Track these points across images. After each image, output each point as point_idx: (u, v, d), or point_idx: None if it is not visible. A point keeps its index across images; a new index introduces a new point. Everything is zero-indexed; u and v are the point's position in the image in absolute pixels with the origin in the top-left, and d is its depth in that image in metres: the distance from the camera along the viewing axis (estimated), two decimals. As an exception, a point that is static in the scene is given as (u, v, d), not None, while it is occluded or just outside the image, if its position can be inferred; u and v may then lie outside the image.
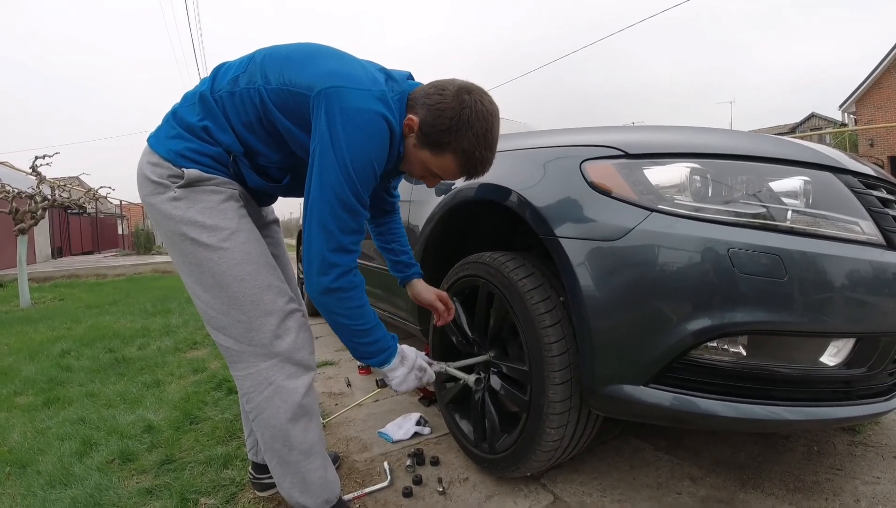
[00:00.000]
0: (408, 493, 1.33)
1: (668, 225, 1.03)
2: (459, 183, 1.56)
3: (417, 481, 1.39)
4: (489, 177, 1.33)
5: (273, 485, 1.29)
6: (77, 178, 15.62)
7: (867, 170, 1.17)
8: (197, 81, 1.17)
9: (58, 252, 14.65)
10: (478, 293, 1.43)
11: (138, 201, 1.12)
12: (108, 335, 3.40)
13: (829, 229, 1.03)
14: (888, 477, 1.35)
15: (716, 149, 1.10)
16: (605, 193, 1.11)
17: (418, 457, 1.50)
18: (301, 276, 3.35)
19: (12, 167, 13.19)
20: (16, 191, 5.80)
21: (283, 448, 1.06)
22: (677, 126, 1.24)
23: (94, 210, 18.15)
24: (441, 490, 1.35)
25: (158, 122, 1.08)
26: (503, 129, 1.11)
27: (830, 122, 20.86)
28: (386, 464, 1.48)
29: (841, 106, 17.62)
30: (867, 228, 1.05)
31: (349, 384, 2.24)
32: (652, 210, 1.05)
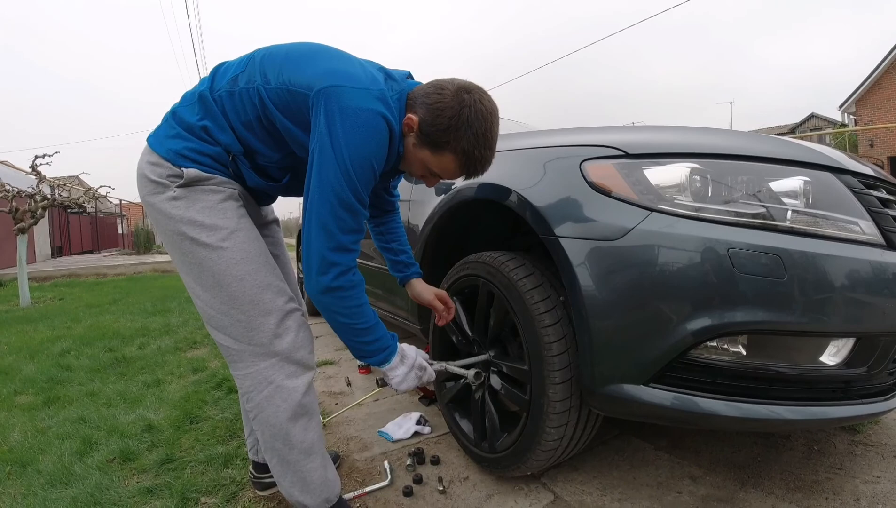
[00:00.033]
0: (408, 492, 1.33)
1: (668, 225, 1.03)
2: (459, 183, 1.56)
3: (418, 480, 1.39)
4: (489, 177, 1.33)
5: (273, 484, 1.29)
6: (77, 177, 15.63)
7: (867, 170, 1.17)
8: (196, 79, 1.17)
9: (57, 251, 14.65)
10: (478, 293, 1.43)
11: (138, 200, 1.12)
12: (108, 335, 3.40)
13: (828, 229, 1.03)
14: (888, 477, 1.35)
15: (716, 149, 1.10)
16: (605, 192, 1.11)
17: (418, 456, 1.50)
18: (301, 275, 3.36)
19: (12, 166, 13.19)
20: (15, 190, 5.80)
21: (283, 447, 1.06)
22: (677, 126, 1.24)
23: (94, 209, 18.16)
24: (441, 489, 1.35)
25: (158, 121, 1.08)
26: (503, 129, 1.11)
27: (830, 122, 20.86)
28: (386, 463, 1.48)
29: (841, 106, 17.62)
30: (867, 228, 1.05)
31: (349, 384, 2.24)
32: (652, 210, 1.05)
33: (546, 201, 1.19)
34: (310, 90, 0.93)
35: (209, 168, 1.01)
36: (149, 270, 9.07)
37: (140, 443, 1.65)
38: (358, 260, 1.01)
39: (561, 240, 1.13)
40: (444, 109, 0.96)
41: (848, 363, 1.05)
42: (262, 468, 1.30)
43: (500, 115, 1.03)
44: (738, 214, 1.03)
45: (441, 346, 1.65)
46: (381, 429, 1.71)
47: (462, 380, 1.47)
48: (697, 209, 1.04)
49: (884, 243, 1.05)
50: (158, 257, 11.10)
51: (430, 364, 1.18)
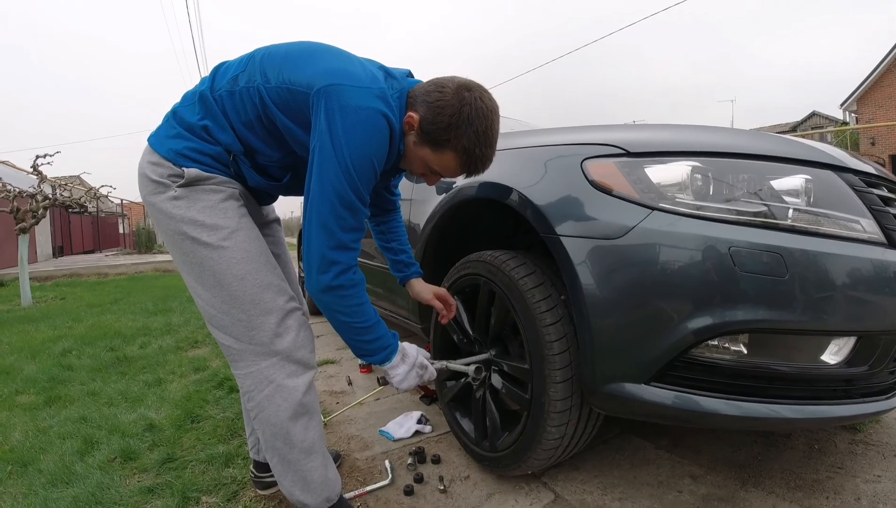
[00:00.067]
0: (409, 491, 1.33)
1: (670, 223, 1.03)
2: (460, 182, 1.56)
3: (418, 479, 1.39)
4: (490, 175, 1.33)
5: (274, 483, 1.29)
6: (78, 177, 15.64)
7: (868, 168, 1.17)
8: (197, 78, 1.17)
9: (59, 251, 14.67)
10: (479, 292, 1.43)
11: (139, 199, 1.13)
12: (109, 334, 3.40)
13: (830, 227, 1.03)
14: (889, 476, 1.35)
15: (717, 147, 1.10)
16: (606, 191, 1.11)
17: (419, 455, 1.50)
18: (302, 274, 3.36)
19: (13, 166, 13.21)
20: (17, 190, 5.81)
21: (283, 447, 1.06)
22: (678, 125, 1.24)
23: (95, 209, 18.18)
24: (442, 488, 1.35)
25: (159, 121, 1.08)
26: (504, 127, 1.11)
27: (832, 120, 20.83)
28: (387, 462, 1.48)
29: (842, 104, 17.59)
30: (868, 226, 1.05)
31: (350, 383, 2.24)
32: (653, 209, 1.05)
33: (547, 200, 1.19)
34: (310, 89, 0.92)
35: (210, 168, 1.01)
36: (150, 269, 9.09)
37: (141, 442, 1.66)
38: (359, 259, 1.01)
39: (562, 239, 1.13)
40: (445, 107, 0.95)
41: (849, 361, 1.04)
42: (263, 467, 1.31)
43: (501, 113, 1.03)
44: (739, 212, 1.03)
45: (442, 345, 1.65)
46: (382, 428, 1.71)
47: (463, 378, 1.47)
48: (699, 208, 1.04)
49: (885, 241, 1.05)
50: (160, 257, 11.12)
51: (431, 363, 1.18)
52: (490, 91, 1.01)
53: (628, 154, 1.12)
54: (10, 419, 1.95)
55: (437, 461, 1.50)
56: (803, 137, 3.41)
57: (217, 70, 1.06)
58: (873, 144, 16.09)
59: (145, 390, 2.22)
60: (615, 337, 1.07)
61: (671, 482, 1.36)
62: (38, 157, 5.79)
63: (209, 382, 2.25)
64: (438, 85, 0.99)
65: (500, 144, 1.05)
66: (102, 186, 8.22)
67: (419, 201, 1.85)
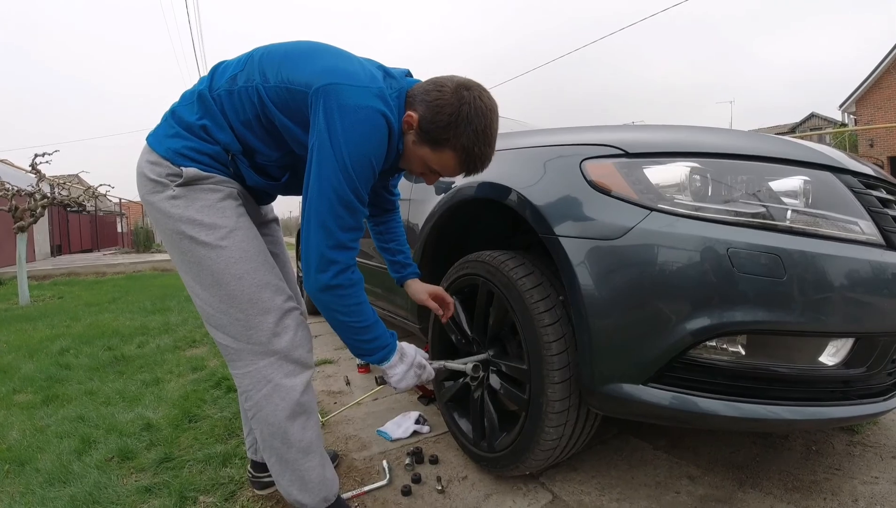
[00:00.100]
0: (406, 492, 1.33)
1: (668, 224, 1.03)
2: (459, 182, 1.56)
3: (416, 479, 1.39)
4: (489, 175, 1.33)
5: (272, 483, 1.29)
6: (76, 176, 15.60)
7: (867, 170, 1.17)
8: (196, 78, 1.17)
9: (57, 250, 14.64)
10: (477, 292, 1.43)
11: (137, 199, 1.12)
12: (107, 333, 3.40)
13: (828, 228, 1.03)
14: (886, 477, 1.35)
15: (716, 148, 1.10)
16: (605, 192, 1.11)
17: (417, 456, 1.50)
18: (301, 274, 3.35)
19: (12, 165, 13.19)
20: (15, 189, 5.79)
21: (281, 446, 1.06)
22: (677, 125, 1.24)
23: (94, 208, 18.15)
24: (440, 488, 1.35)
25: (157, 120, 1.08)
26: (503, 127, 1.11)
27: (830, 122, 20.86)
28: (385, 463, 1.48)
29: (841, 106, 17.63)
30: (867, 228, 1.05)
31: (348, 383, 2.24)
32: (652, 209, 1.05)
33: (546, 200, 1.19)
34: (309, 88, 0.92)
35: (208, 167, 1.01)
36: (148, 268, 9.07)
37: (139, 442, 1.65)
38: (357, 259, 1.01)
39: (560, 239, 1.13)
40: (444, 106, 0.95)
41: (847, 363, 1.05)
42: (260, 467, 1.30)
43: (500, 114, 1.03)
44: (737, 213, 1.03)
45: (440, 345, 1.65)
46: (380, 428, 1.71)
47: (461, 378, 1.47)
48: (697, 209, 1.04)
49: (883, 242, 1.05)
50: (158, 256, 11.10)
51: (429, 363, 1.18)
52: (489, 91, 1.01)
53: (627, 155, 1.12)
54: (8, 417, 1.95)
55: (434, 461, 1.50)
56: (802, 138, 3.41)
57: (215, 69, 1.05)
58: (872, 145, 16.13)
59: (143, 389, 2.21)
60: (614, 338, 1.07)
61: (669, 482, 1.36)
62: (36, 155, 5.78)
63: (207, 381, 2.25)
64: (437, 84, 0.99)
65: (500, 144, 1.05)
66: (101, 185, 8.21)
67: (418, 201, 1.85)
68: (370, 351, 1.04)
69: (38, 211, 5.53)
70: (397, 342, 1.10)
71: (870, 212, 1.06)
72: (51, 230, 14.19)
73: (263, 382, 1.03)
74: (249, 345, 1.02)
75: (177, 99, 1.08)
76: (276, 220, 1.35)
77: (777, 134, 1.39)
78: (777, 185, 1.05)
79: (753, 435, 1.60)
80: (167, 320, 3.83)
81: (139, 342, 3.11)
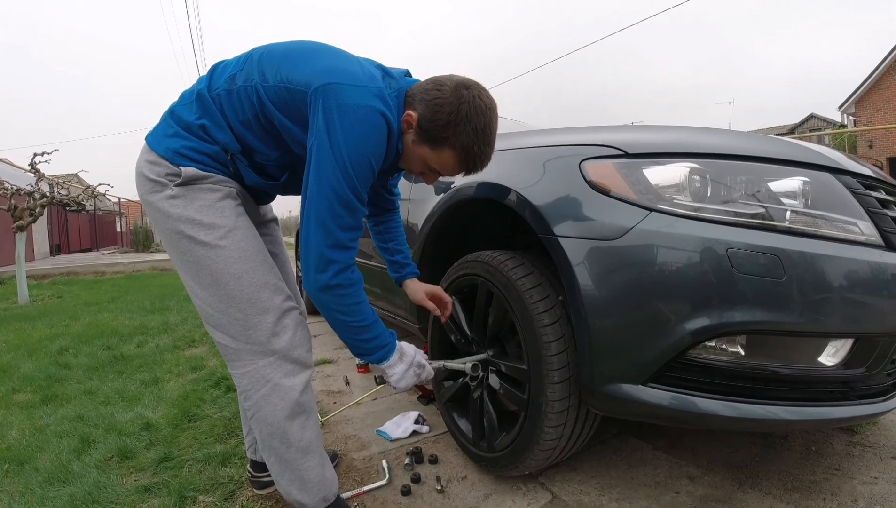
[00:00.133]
0: (406, 491, 1.33)
1: (667, 225, 1.03)
2: (459, 182, 1.56)
3: (416, 479, 1.39)
4: (488, 175, 1.33)
5: (271, 483, 1.29)
6: (76, 175, 15.59)
7: (866, 171, 1.17)
8: (196, 77, 1.17)
9: (56, 250, 14.63)
10: (476, 292, 1.43)
11: (137, 198, 1.12)
12: (106, 333, 3.39)
13: (827, 229, 1.03)
14: (886, 478, 1.35)
15: (715, 149, 1.10)
16: (605, 192, 1.11)
17: (417, 455, 1.50)
18: (300, 274, 3.35)
19: (11, 164, 13.17)
20: (14, 188, 5.79)
21: (280, 446, 1.06)
22: (677, 126, 1.24)
23: (93, 208, 18.13)
24: (439, 488, 1.35)
25: (157, 119, 1.08)
26: (502, 127, 1.11)
27: (829, 123, 20.88)
28: (384, 462, 1.48)
29: (840, 107, 17.64)
30: (866, 229, 1.05)
31: (348, 383, 2.24)
32: (651, 210, 1.05)
33: (545, 201, 1.19)
34: (308, 88, 0.92)
35: (207, 167, 1.01)
36: (147, 268, 9.07)
37: (138, 441, 1.65)
38: (357, 258, 1.01)
39: (560, 239, 1.13)
40: (444, 105, 0.96)
41: (846, 363, 1.05)
42: (260, 466, 1.30)
43: (500, 114, 1.03)
44: (737, 214, 1.03)
45: (440, 345, 1.65)
46: (380, 428, 1.71)
47: (461, 378, 1.47)
48: (696, 209, 1.04)
49: (882, 243, 1.05)
50: (157, 256, 11.10)
51: (429, 363, 1.18)
52: (489, 91, 1.01)
53: (627, 155, 1.12)
54: (7, 417, 1.95)
55: (434, 461, 1.50)
56: (801, 139, 3.42)
57: (214, 69, 1.05)
58: (871, 146, 16.14)
59: (142, 389, 2.21)
60: (613, 338, 1.07)
61: (668, 482, 1.36)
62: (35, 155, 5.77)
63: (206, 381, 2.25)
64: (437, 83, 0.99)
65: (499, 144, 1.05)
66: (100, 184, 8.20)
67: (417, 201, 1.85)
68: (369, 351, 1.04)
69: (37, 210, 5.52)
70: (396, 341, 1.10)
71: (869, 213, 1.07)
72: (50, 230, 14.18)
73: (262, 381, 1.03)
74: (248, 345, 1.02)
75: (176, 99, 1.08)
76: (275, 219, 1.35)
77: (776, 135, 1.39)
78: (776, 185, 1.05)
79: (753, 435, 1.60)
80: (166, 319, 3.83)
81: (138, 342, 3.11)
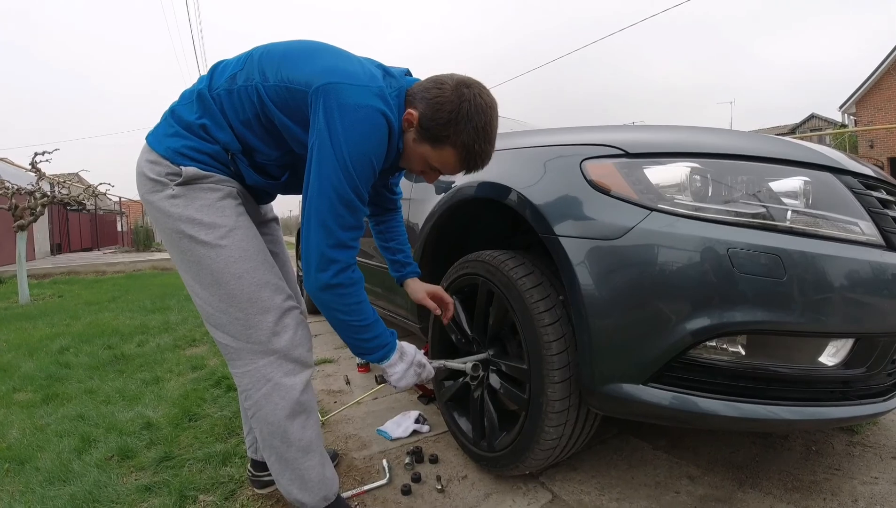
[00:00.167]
0: (406, 491, 1.33)
1: (668, 224, 1.03)
2: (459, 181, 1.56)
3: (416, 479, 1.39)
4: (489, 175, 1.33)
5: (272, 482, 1.29)
6: (76, 174, 15.60)
7: (867, 171, 1.17)
8: (196, 77, 1.17)
9: (57, 249, 14.64)
10: (477, 292, 1.43)
11: (137, 197, 1.12)
12: (107, 332, 3.40)
13: (828, 229, 1.03)
14: (886, 478, 1.35)
15: (716, 149, 1.10)
16: (605, 192, 1.11)
17: (417, 455, 1.50)
18: (301, 274, 3.35)
19: (12, 163, 13.18)
20: (15, 187, 5.79)
21: (281, 445, 1.06)
22: (677, 126, 1.24)
23: (94, 207, 18.15)
24: (440, 487, 1.35)
25: (158, 119, 1.08)
26: (503, 127, 1.11)
27: (830, 123, 20.86)
28: (385, 462, 1.48)
29: (841, 107, 17.63)
30: (866, 228, 1.05)
31: (348, 382, 2.24)
32: (652, 209, 1.05)
33: (546, 200, 1.19)
34: (308, 87, 0.92)
35: (208, 166, 1.01)
36: (148, 267, 9.07)
37: (139, 441, 1.65)
38: (357, 258, 1.01)
39: (560, 239, 1.13)
40: (444, 104, 0.96)
41: (847, 363, 1.05)
42: (260, 466, 1.30)
43: (500, 114, 1.03)
44: (737, 213, 1.03)
45: (440, 345, 1.65)
46: (380, 428, 1.71)
47: (461, 378, 1.47)
48: (697, 209, 1.04)
49: (883, 243, 1.05)
50: (158, 255, 11.10)
51: (429, 362, 1.18)
52: (489, 90, 1.01)
53: (627, 155, 1.12)
54: (8, 416, 1.95)
55: (434, 460, 1.50)
56: (802, 139, 3.41)
57: (215, 69, 1.05)
58: (872, 146, 16.13)
59: (143, 388, 2.21)
60: (614, 338, 1.07)
61: (669, 482, 1.36)
62: (36, 154, 5.77)
63: (207, 380, 2.25)
64: (437, 82, 0.99)
65: (500, 144, 1.05)
66: (101, 183, 8.20)
67: (418, 201, 1.85)
68: (370, 350, 1.04)
69: (37, 210, 5.53)
70: (397, 340, 1.10)
71: (870, 213, 1.06)
72: (51, 229, 14.19)
73: (263, 381, 1.03)
74: (249, 344, 1.02)
75: (176, 98, 1.08)
76: (275, 219, 1.35)
77: (777, 135, 1.39)
78: (777, 185, 1.05)
79: (753, 435, 1.60)
80: (167, 318, 3.83)
81: (139, 341, 3.12)
